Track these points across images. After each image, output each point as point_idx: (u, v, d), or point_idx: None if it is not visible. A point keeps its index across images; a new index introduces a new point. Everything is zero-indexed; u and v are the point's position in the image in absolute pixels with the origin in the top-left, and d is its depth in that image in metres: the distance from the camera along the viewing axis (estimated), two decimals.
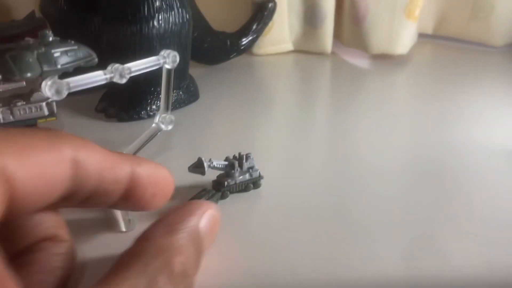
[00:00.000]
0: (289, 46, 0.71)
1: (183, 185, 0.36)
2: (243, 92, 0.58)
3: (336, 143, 0.45)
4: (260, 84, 0.63)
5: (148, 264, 0.16)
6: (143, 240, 0.17)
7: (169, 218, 0.19)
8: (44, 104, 0.44)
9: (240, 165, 0.35)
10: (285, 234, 0.31)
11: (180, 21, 0.48)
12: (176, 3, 0.48)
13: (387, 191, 0.36)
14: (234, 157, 0.36)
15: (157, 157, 0.41)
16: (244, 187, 0.35)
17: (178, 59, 0.33)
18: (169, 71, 0.34)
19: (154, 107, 0.49)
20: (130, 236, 0.19)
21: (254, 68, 0.68)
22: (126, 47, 0.47)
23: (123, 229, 0.31)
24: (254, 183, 0.36)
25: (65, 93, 0.25)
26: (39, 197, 0.16)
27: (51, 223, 0.19)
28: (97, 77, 0.28)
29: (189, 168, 0.34)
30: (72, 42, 0.29)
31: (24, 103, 0.43)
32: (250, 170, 0.35)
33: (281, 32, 0.69)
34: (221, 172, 0.35)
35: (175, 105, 0.51)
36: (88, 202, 0.18)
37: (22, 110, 0.43)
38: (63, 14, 0.53)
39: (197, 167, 0.33)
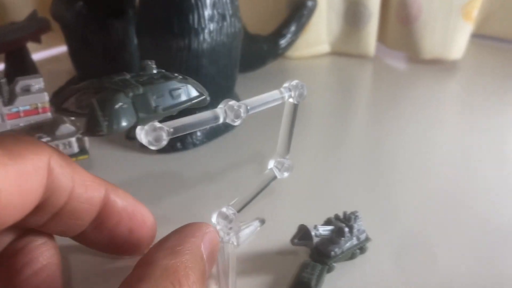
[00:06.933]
0: (326, 48, 0.63)
1: (265, 251, 0.28)
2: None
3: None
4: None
5: None
6: (145, 265, 0.16)
7: (169, 241, 0.18)
8: (74, 139, 0.36)
9: (350, 230, 0.28)
10: None
11: (232, 31, 0.40)
12: (228, 11, 0.39)
13: None
14: (337, 217, 0.29)
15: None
16: (351, 255, 0.28)
17: (306, 91, 0.26)
18: (294, 107, 0.26)
19: (199, 134, 0.41)
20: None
21: (290, 74, 0.60)
22: (168, 64, 0.39)
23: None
24: (361, 248, 0.29)
25: (164, 141, 0.19)
26: (18, 207, 0.15)
27: None
28: (205, 117, 0.21)
29: (292, 241, 0.26)
30: (180, 76, 0.22)
31: (50, 139, 0.35)
32: (357, 233, 0.28)
33: (318, 32, 0.61)
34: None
35: (222, 130, 0.43)
36: (57, 221, 0.18)
37: None
38: (81, 19, 0.44)
39: (304, 238, 0.26)
